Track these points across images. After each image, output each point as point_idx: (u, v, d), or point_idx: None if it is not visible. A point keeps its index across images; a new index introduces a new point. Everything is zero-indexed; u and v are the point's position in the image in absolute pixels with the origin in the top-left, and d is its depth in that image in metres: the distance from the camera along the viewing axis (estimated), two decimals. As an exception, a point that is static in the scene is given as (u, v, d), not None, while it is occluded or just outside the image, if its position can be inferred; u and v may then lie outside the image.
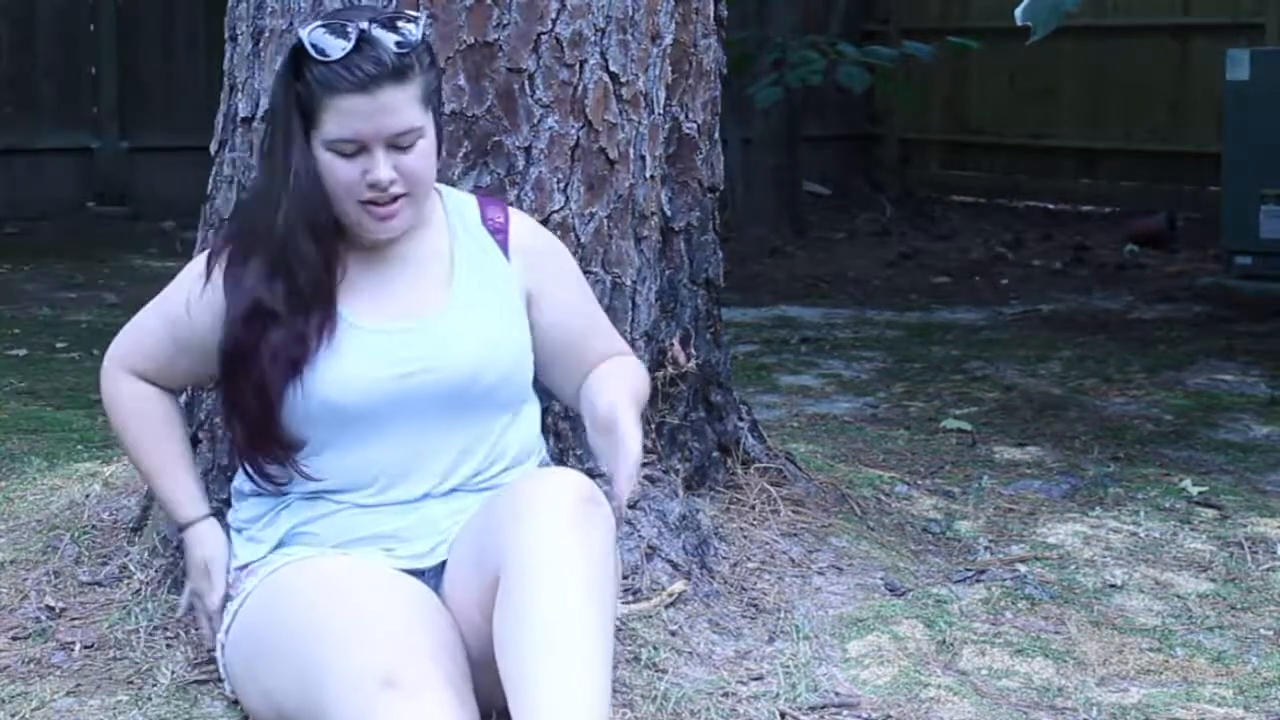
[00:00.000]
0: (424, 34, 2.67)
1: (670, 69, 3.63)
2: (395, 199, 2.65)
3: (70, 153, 10.97)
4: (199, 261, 2.79)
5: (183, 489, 2.88)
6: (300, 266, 2.63)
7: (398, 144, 2.62)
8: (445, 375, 2.69)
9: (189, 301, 2.75)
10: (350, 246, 2.72)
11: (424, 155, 2.66)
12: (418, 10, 3.18)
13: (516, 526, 2.48)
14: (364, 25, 2.60)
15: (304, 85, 2.60)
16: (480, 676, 2.52)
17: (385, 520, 2.70)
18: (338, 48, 2.58)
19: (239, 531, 2.82)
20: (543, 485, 2.54)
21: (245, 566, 2.76)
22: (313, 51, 2.59)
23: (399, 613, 2.49)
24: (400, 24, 2.64)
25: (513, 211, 2.91)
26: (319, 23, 2.63)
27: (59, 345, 6.75)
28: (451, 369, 2.69)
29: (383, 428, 2.68)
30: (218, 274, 2.72)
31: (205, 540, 2.84)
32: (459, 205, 2.87)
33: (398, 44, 2.61)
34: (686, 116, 3.74)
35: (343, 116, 2.59)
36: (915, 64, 10.00)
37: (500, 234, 2.83)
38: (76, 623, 3.33)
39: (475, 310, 2.75)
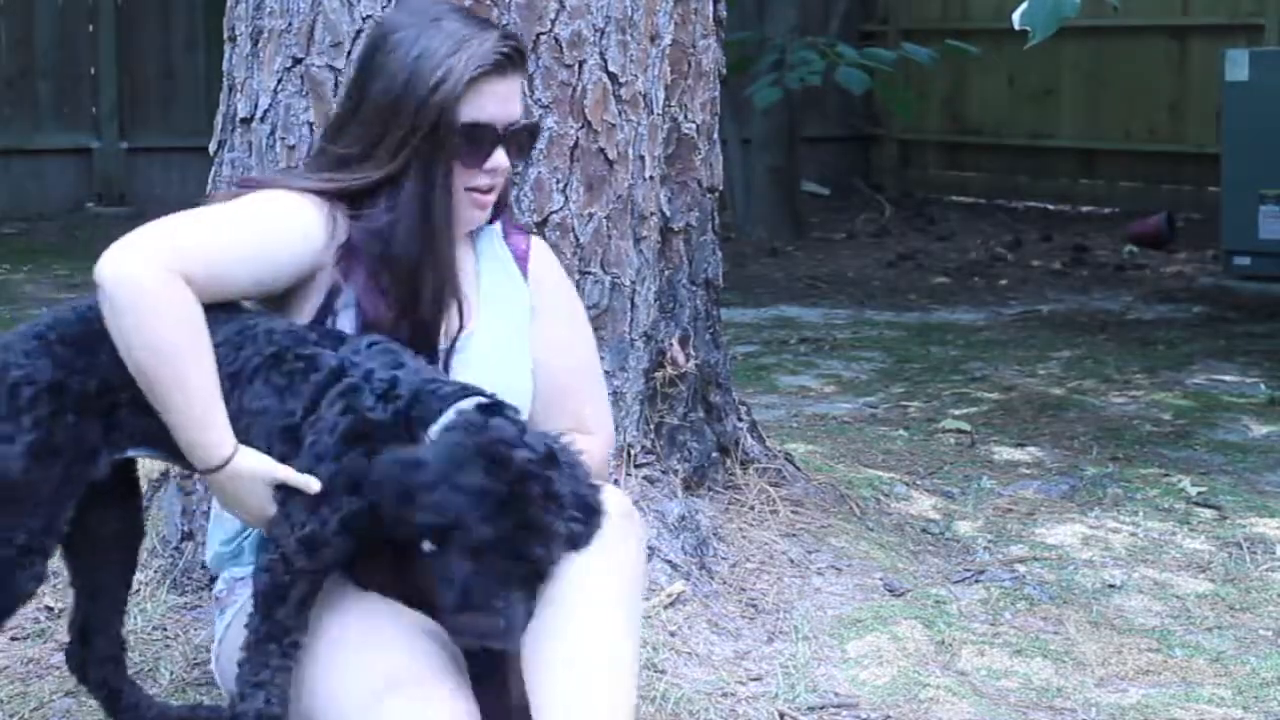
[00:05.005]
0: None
1: (669, 69, 3.63)
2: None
3: (70, 153, 10.98)
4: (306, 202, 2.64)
5: (222, 418, 2.44)
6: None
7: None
8: None
9: (306, 234, 2.60)
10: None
11: None
12: (417, 11, 3.18)
13: None
14: None
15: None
16: None
17: None
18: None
19: (228, 543, 2.78)
20: None
21: (242, 578, 2.74)
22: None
23: (401, 617, 2.50)
24: None
25: (534, 240, 2.90)
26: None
27: (58, 345, 6.74)
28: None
29: None
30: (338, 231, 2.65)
31: (249, 459, 2.45)
32: (486, 228, 2.85)
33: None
34: (685, 117, 3.74)
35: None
36: (914, 66, 10.00)
37: (522, 261, 2.82)
38: (76, 623, 3.33)
39: (495, 335, 2.73)
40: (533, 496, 2.28)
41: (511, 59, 2.63)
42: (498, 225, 2.83)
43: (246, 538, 2.69)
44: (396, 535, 2.37)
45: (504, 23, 3.21)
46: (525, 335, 2.77)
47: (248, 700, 2.41)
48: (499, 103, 2.63)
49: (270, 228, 2.58)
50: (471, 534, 2.26)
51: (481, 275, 2.76)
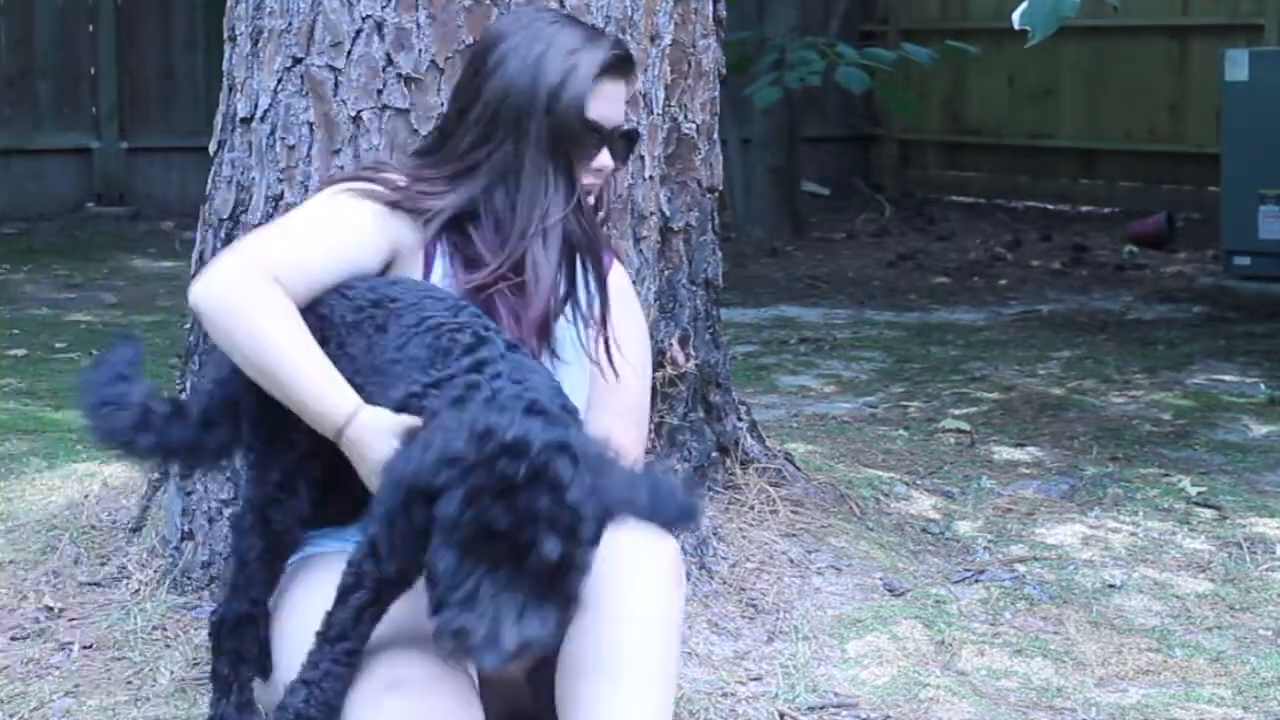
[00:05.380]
0: None
1: (669, 69, 3.63)
2: None
3: (70, 153, 10.97)
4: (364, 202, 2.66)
5: (338, 384, 2.47)
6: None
7: None
8: None
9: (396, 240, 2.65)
10: None
11: None
12: (417, 10, 3.18)
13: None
14: None
15: None
16: (488, 687, 2.54)
17: None
18: None
19: None
20: (636, 565, 2.48)
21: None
22: None
23: (407, 621, 2.50)
24: None
25: (616, 262, 2.90)
26: None
27: (58, 346, 6.75)
28: None
29: None
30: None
31: (374, 414, 2.44)
32: None
33: None
34: (685, 117, 3.74)
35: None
36: (914, 66, 10.00)
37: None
38: (75, 623, 3.33)
39: (568, 335, 2.75)
40: (514, 474, 2.15)
41: (627, 63, 2.71)
42: None
43: None
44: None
45: (504, 23, 3.21)
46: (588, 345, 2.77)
47: (291, 694, 2.40)
48: (611, 104, 2.69)
49: (347, 230, 2.63)
50: (444, 509, 2.16)
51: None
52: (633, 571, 2.43)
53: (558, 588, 2.19)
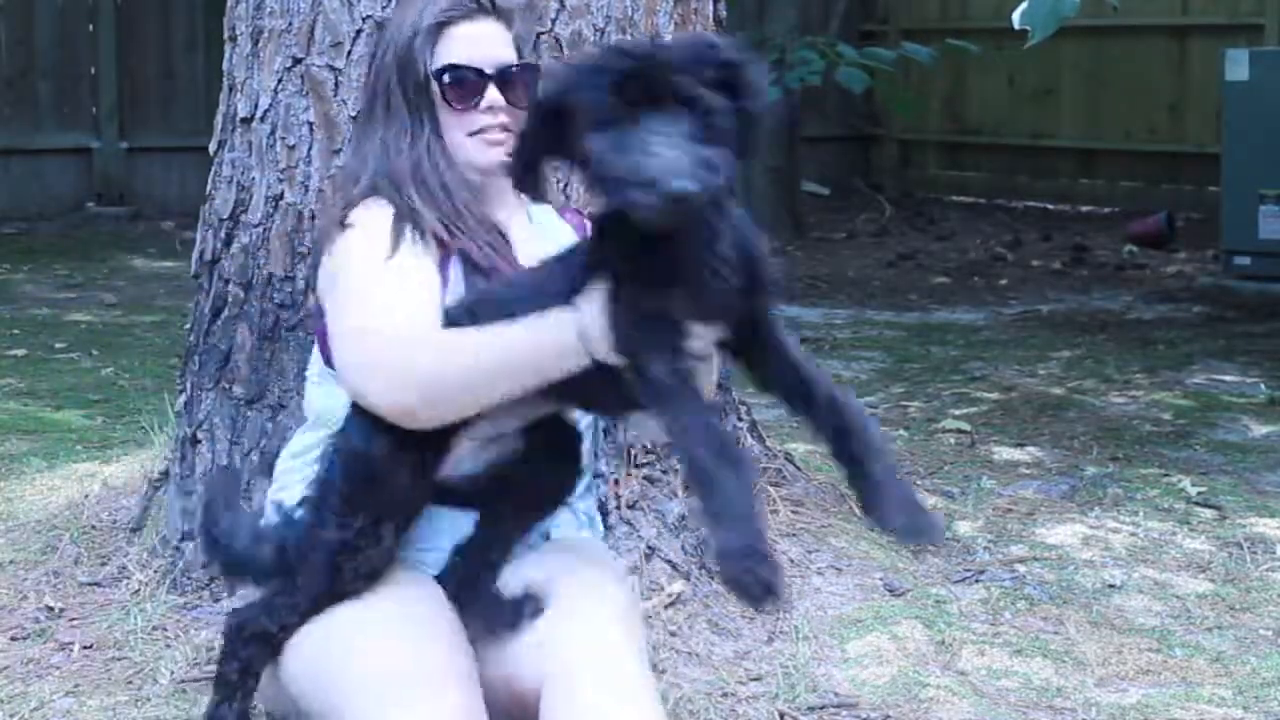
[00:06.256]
0: None
1: (669, 69, 3.62)
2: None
3: (70, 153, 10.97)
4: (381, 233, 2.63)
5: (538, 325, 2.39)
6: None
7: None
8: None
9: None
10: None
11: None
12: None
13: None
14: None
15: None
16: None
17: None
18: None
19: (295, 456, 2.80)
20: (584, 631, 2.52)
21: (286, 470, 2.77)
22: None
23: (413, 619, 2.51)
24: None
25: (589, 221, 2.91)
26: None
27: (58, 346, 6.75)
28: None
29: None
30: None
31: (589, 303, 2.35)
32: (538, 209, 2.90)
33: None
34: (686, 117, 3.74)
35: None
36: (914, 66, 10.00)
37: (581, 231, 2.88)
38: (75, 623, 3.33)
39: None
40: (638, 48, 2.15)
41: (481, 6, 2.74)
42: (551, 205, 2.90)
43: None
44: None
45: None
46: None
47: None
48: (472, 45, 2.72)
49: (407, 262, 2.59)
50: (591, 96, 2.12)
51: (536, 240, 2.78)
52: (588, 623, 2.49)
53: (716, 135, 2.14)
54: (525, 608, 2.54)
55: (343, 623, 2.51)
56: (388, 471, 2.45)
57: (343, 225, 2.64)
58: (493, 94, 2.72)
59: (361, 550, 2.46)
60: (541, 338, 2.38)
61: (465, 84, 2.71)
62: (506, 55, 2.75)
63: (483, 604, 2.58)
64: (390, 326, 2.45)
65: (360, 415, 2.46)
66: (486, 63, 2.72)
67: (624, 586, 2.66)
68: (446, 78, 2.70)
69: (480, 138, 2.72)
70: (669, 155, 2.06)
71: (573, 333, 2.35)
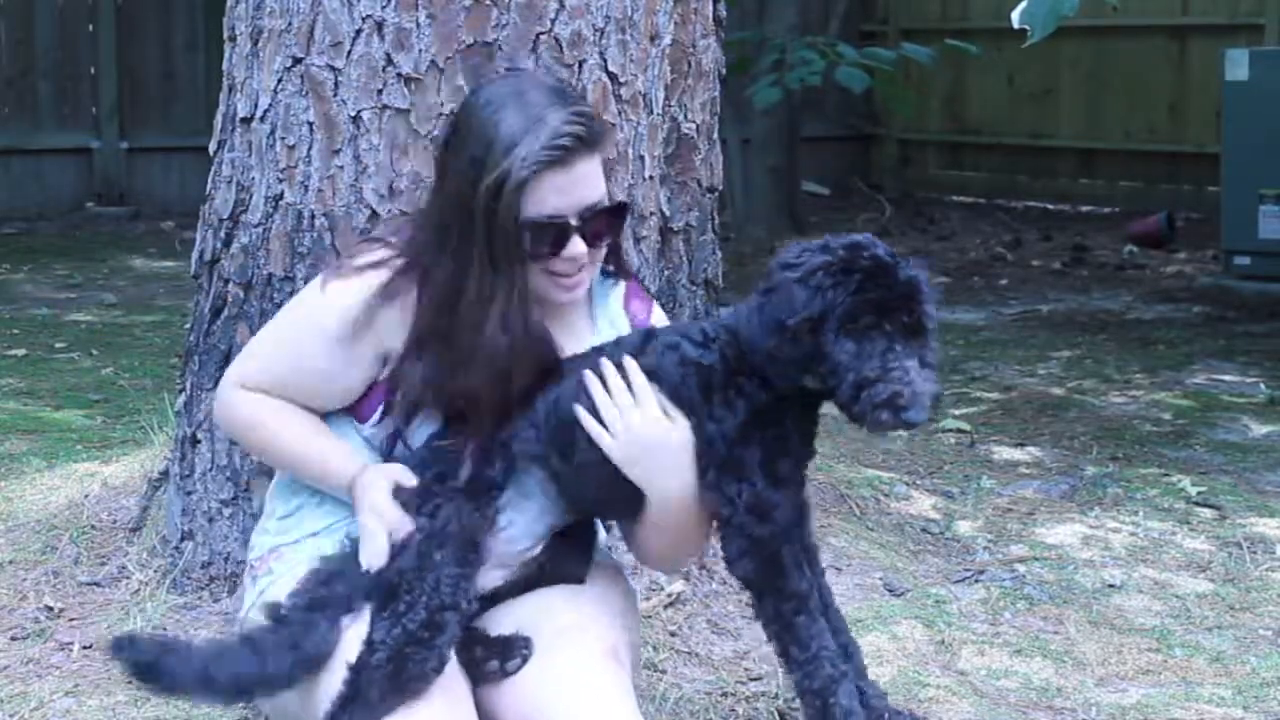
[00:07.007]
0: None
1: (669, 69, 3.63)
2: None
3: (70, 153, 10.97)
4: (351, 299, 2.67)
5: (332, 456, 2.70)
6: None
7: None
8: None
9: (355, 331, 2.66)
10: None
11: None
12: (417, 10, 3.18)
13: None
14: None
15: None
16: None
17: None
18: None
19: (270, 516, 2.81)
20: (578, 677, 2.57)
21: (274, 550, 2.76)
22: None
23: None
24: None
25: (655, 309, 2.88)
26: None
27: (58, 345, 6.75)
28: None
29: None
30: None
31: (375, 484, 2.61)
32: (603, 291, 2.83)
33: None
34: (685, 117, 3.74)
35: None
36: (914, 66, 10.00)
37: (642, 324, 2.80)
38: (75, 623, 3.33)
39: None
40: (871, 258, 2.49)
41: (582, 141, 2.57)
42: (621, 287, 2.83)
43: (301, 509, 2.76)
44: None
45: (504, 23, 3.21)
46: None
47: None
48: (560, 195, 2.57)
49: (306, 348, 2.71)
50: (829, 307, 2.41)
51: (598, 340, 2.74)
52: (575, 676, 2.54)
53: (928, 351, 2.47)
54: (515, 647, 2.58)
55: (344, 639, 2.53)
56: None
57: (337, 271, 2.68)
58: (577, 247, 2.59)
59: (426, 642, 2.46)
60: (321, 472, 2.72)
61: (551, 239, 2.58)
62: (595, 193, 2.61)
63: (472, 642, 2.59)
64: (243, 375, 2.76)
65: None
66: (573, 210, 2.58)
67: (616, 619, 2.66)
68: (530, 234, 2.56)
69: (557, 279, 2.62)
70: (923, 388, 2.41)
71: (344, 484, 2.67)
